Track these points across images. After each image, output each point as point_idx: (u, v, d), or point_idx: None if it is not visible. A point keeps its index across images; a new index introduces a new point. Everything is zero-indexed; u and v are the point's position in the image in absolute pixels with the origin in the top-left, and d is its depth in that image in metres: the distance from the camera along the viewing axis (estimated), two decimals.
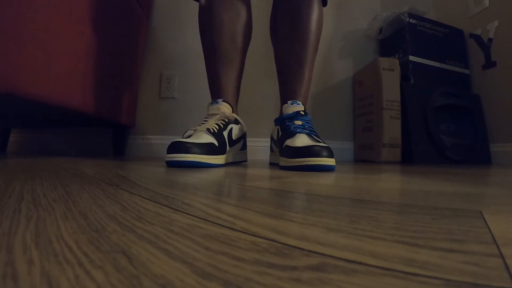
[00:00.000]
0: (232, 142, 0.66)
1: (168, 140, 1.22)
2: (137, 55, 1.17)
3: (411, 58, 1.16)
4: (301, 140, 0.56)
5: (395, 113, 1.06)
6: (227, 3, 0.70)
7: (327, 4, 0.74)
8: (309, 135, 0.59)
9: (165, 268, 0.08)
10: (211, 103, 0.68)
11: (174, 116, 1.27)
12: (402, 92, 1.08)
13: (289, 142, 0.57)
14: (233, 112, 0.70)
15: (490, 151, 1.17)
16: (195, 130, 0.60)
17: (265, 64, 1.25)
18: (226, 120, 0.65)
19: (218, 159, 0.58)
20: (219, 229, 0.12)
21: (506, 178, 0.44)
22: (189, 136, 0.58)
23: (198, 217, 0.14)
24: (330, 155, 0.51)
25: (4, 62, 0.57)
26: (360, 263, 0.09)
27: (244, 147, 0.73)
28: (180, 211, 0.16)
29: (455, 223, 0.14)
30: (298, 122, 0.62)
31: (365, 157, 1.17)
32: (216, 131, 0.60)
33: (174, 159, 0.50)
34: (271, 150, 0.78)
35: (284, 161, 0.56)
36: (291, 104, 0.66)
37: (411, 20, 1.19)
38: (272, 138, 0.77)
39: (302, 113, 0.64)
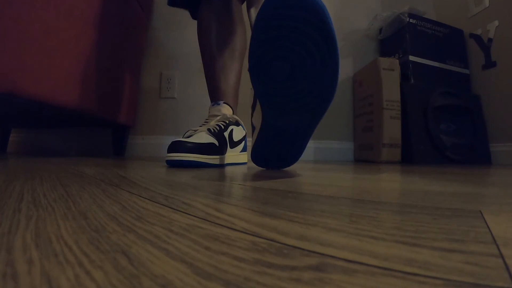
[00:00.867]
0: (233, 144, 0.66)
1: (168, 140, 1.22)
2: (137, 55, 1.17)
3: (411, 58, 1.16)
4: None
5: (395, 113, 1.06)
6: (223, 15, 0.73)
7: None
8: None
9: (165, 268, 0.08)
10: (212, 105, 0.69)
11: (174, 116, 1.27)
12: (402, 92, 1.08)
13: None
14: (233, 114, 0.70)
15: (490, 151, 1.17)
16: (195, 130, 0.60)
17: None
18: (227, 122, 0.65)
19: (218, 160, 0.58)
20: (219, 229, 0.12)
21: (506, 178, 0.44)
22: (189, 136, 0.58)
23: (198, 217, 0.14)
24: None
25: (4, 62, 0.57)
26: (360, 263, 0.09)
27: (244, 149, 0.74)
28: (180, 211, 0.16)
29: (455, 223, 0.14)
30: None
31: (365, 157, 1.17)
32: (217, 131, 0.60)
33: (175, 158, 0.50)
34: None
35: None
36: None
37: (411, 20, 1.19)
38: None
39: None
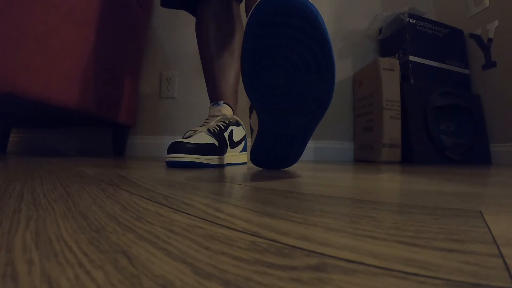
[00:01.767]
0: (233, 144, 0.66)
1: (168, 140, 1.22)
2: (137, 55, 1.17)
3: (411, 58, 1.16)
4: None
5: (395, 113, 1.06)
6: (221, 15, 0.73)
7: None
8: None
9: (165, 268, 0.08)
10: (212, 105, 0.69)
11: (174, 116, 1.27)
12: (402, 92, 1.08)
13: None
14: (233, 114, 0.70)
15: (490, 151, 1.17)
16: (195, 130, 0.60)
17: None
18: (227, 122, 0.65)
19: (218, 160, 0.58)
20: (219, 229, 0.12)
21: (506, 178, 0.44)
22: (189, 137, 0.58)
23: (198, 217, 0.14)
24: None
25: (4, 62, 0.57)
26: (360, 263, 0.09)
27: (245, 149, 0.74)
28: (180, 211, 0.16)
29: (455, 223, 0.14)
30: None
31: (365, 157, 1.17)
32: (217, 132, 0.60)
33: (174, 159, 0.50)
34: None
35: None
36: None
37: (411, 20, 1.19)
38: None
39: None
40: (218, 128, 0.62)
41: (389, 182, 0.35)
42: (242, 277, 0.08)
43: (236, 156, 0.69)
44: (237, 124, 0.69)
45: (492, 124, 1.18)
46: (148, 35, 1.28)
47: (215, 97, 0.72)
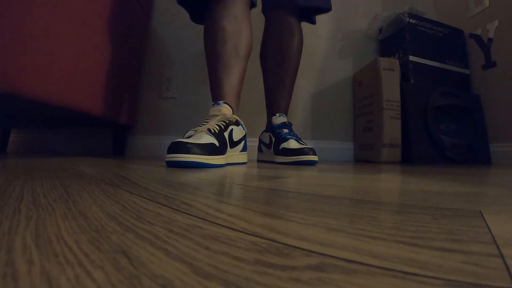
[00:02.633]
0: (233, 143, 0.67)
1: (168, 140, 1.22)
2: (137, 55, 1.17)
3: (411, 58, 1.16)
4: (293, 143, 0.78)
5: (395, 113, 1.06)
6: (230, 16, 0.74)
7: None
8: (296, 140, 0.80)
9: (165, 268, 0.08)
10: (213, 105, 0.69)
11: (174, 116, 1.27)
12: (402, 92, 1.08)
13: (285, 145, 0.78)
14: (234, 114, 0.71)
15: (490, 151, 1.17)
16: (195, 130, 0.60)
17: None
18: (227, 121, 0.66)
19: (219, 160, 0.58)
20: (219, 229, 0.12)
21: (506, 178, 0.44)
22: (189, 137, 0.58)
23: (198, 217, 0.14)
24: (315, 154, 0.73)
25: (4, 62, 0.57)
26: (360, 263, 0.09)
27: (244, 148, 0.74)
28: (180, 211, 0.16)
29: (455, 223, 0.14)
30: (286, 130, 0.84)
31: (365, 157, 1.17)
32: (217, 131, 0.61)
33: (174, 159, 0.50)
34: (260, 150, 0.96)
35: (283, 159, 0.77)
36: (279, 116, 0.87)
37: (411, 20, 1.19)
38: (262, 141, 0.94)
39: (287, 123, 0.87)
40: (218, 128, 0.62)
41: (389, 182, 0.35)
42: (242, 277, 0.08)
43: (236, 155, 0.70)
44: (237, 123, 0.70)
45: (492, 124, 1.18)
46: (148, 35, 1.28)
47: (216, 96, 0.73)
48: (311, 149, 0.73)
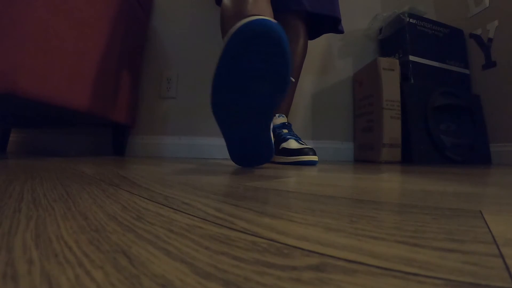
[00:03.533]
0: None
1: (168, 140, 1.22)
2: (137, 55, 1.17)
3: (411, 58, 1.16)
4: (293, 143, 0.79)
5: (395, 113, 1.06)
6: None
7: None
8: (296, 140, 0.82)
9: (165, 268, 0.08)
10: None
11: (174, 116, 1.27)
12: (402, 92, 1.08)
13: (285, 145, 0.79)
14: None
15: (490, 151, 1.17)
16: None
17: None
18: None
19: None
20: (219, 229, 0.12)
21: (506, 178, 0.44)
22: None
23: (198, 217, 0.14)
24: (315, 154, 0.75)
25: (4, 62, 0.57)
26: (360, 263, 0.09)
27: None
28: (180, 211, 0.16)
29: (455, 223, 0.14)
30: (285, 130, 0.85)
31: (365, 157, 1.17)
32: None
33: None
34: None
35: (283, 159, 0.78)
36: (278, 116, 0.89)
37: (411, 20, 1.19)
38: None
39: (287, 123, 0.89)
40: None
41: (389, 182, 0.35)
42: (242, 277, 0.08)
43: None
44: None
45: (492, 124, 1.18)
46: (148, 35, 1.28)
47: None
48: (311, 149, 0.75)
